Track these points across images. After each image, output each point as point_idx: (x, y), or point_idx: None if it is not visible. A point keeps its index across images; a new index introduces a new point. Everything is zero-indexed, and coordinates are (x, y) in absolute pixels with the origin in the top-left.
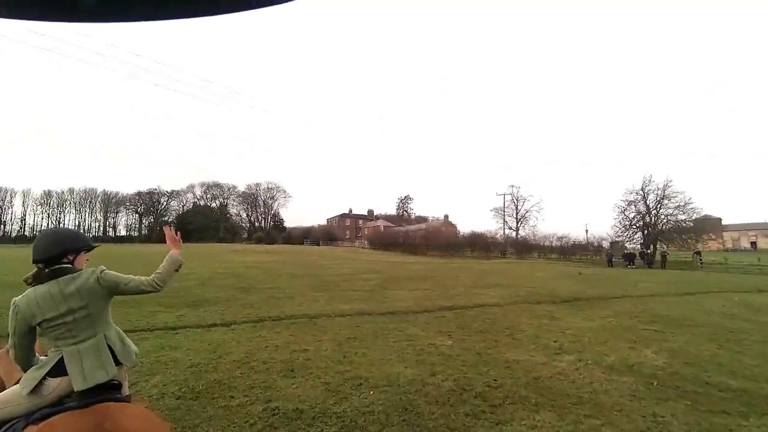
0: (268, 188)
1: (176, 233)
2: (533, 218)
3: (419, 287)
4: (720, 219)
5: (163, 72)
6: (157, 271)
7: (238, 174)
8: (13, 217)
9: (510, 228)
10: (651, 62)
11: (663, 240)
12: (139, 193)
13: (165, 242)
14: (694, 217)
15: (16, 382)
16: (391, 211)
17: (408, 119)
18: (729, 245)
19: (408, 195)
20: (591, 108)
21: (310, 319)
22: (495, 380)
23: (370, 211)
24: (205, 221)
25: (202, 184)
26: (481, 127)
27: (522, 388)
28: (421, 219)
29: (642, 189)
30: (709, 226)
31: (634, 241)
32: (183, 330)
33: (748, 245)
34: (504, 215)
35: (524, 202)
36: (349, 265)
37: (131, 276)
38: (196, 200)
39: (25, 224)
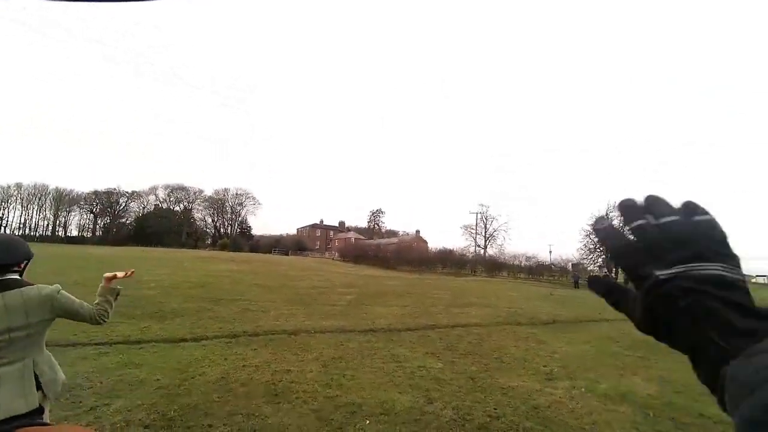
0: (236, 194)
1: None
2: (501, 237)
3: (398, 303)
4: None
5: (134, 53)
6: (98, 303)
7: (206, 178)
8: None
9: (478, 246)
10: (645, 58)
11: None
12: (95, 192)
13: (120, 245)
14: None
15: None
16: (362, 223)
17: (383, 134)
18: None
19: (380, 209)
20: (580, 103)
21: (289, 335)
22: (495, 409)
23: (342, 223)
24: (166, 225)
25: (166, 187)
26: (457, 143)
27: (524, 419)
28: (392, 233)
29: (606, 214)
30: None
31: (597, 263)
32: (148, 344)
33: None
34: (475, 234)
35: (493, 221)
36: (323, 278)
37: (83, 302)
38: (158, 203)
39: None
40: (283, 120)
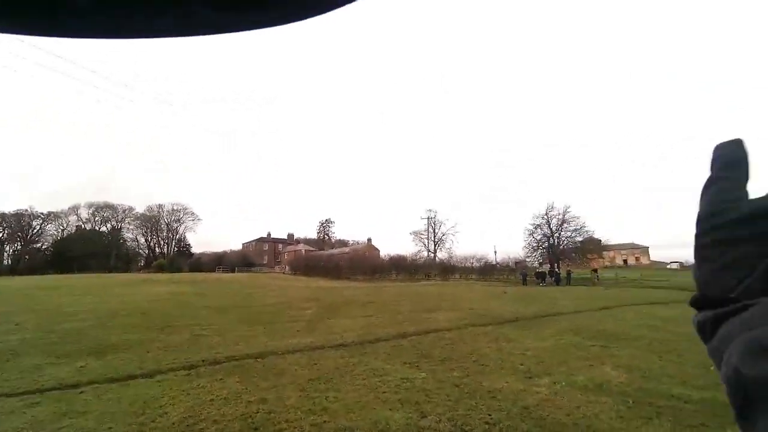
0: (173, 210)
1: None
2: (449, 241)
3: (361, 314)
4: (600, 240)
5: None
6: None
7: (136, 195)
8: None
9: (429, 251)
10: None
11: (564, 259)
12: (2, 215)
13: (35, 274)
14: (587, 237)
15: None
16: (312, 234)
17: (327, 141)
18: (607, 263)
19: (329, 218)
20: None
21: (255, 359)
22: (489, 415)
23: (290, 235)
24: (91, 248)
25: (90, 205)
26: (405, 148)
27: (520, 421)
28: (342, 243)
29: (546, 214)
30: (594, 246)
31: (538, 260)
32: (89, 387)
33: (621, 262)
34: (428, 238)
35: (441, 225)
36: (277, 293)
37: None
38: (81, 224)
39: None
40: (224, 129)
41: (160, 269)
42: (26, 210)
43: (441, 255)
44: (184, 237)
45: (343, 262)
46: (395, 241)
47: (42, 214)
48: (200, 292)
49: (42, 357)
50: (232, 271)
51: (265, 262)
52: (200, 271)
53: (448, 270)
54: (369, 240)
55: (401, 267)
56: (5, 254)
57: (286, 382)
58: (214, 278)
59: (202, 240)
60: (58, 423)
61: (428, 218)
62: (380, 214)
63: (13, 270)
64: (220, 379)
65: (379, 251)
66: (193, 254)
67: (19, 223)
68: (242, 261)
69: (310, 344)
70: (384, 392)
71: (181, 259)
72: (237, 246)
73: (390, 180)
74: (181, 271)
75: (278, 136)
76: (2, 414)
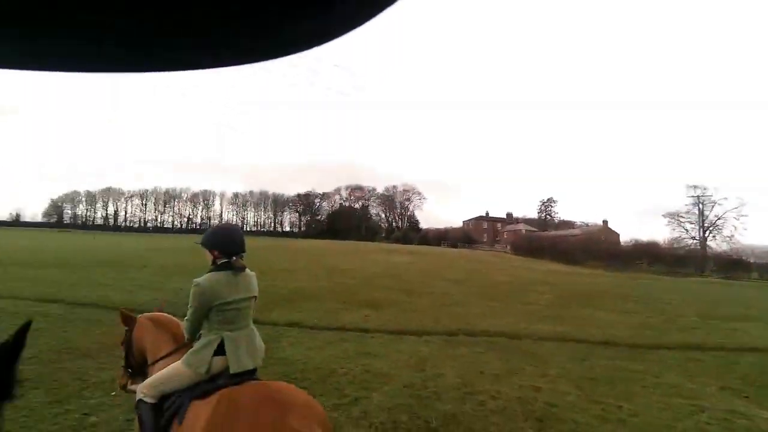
0: (403, 190)
1: None
2: (729, 227)
3: (618, 309)
4: None
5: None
6: None
7: (378, 176)
8: (214, 213)
9: (693, 238)
10: None
11: None
12: (299, 195)
13: (318, 238)
14: None
15: (165, 355)
16: (530, 214)
17: (549, 119)
18: None
19: (551, 197)
20: None
21: (509, 338)
22: None
23: (509, 214)
24: (348, 221)
25: (347, 187)
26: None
27: None
28: (567, 224)
29: None
30: None
31: None
32: (376, 334)
33: None
34: (697, 223)
35: (713, 206)
36: (504, 272)
37: None
38: (342, 202)
39: (221, 219)
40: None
41: (396, 241)
42: (311, 191)
43: (714, 245)
44: (414, 214)
45: (572, 246)
46: (635, 225)
47: (320, 194)
48: (433, 263)
49: (336, 303)
50: (455, 246)
51: (484, 240)
52: (427, 244)
53: (734, 265)
54: (605, 222)
55: (653, 256)
56: (301, 223)
57: (555, 374)
58: (442, 252)
59: (426, 215)
60: (362, 360)
61: (696, 196)
62: (613, 193)
63: (306, 234)
64: (481, 352)
65: (618, 235)
66: (421, 229)
67: (308, 200)
68: (463, 238)
69: (564, 334)
70: (708, 424)
71: (412, 233)
72: (456, 223)
73: (624, 153)
74: (411, 244)
75: (498, 114)
76: (326, 342)
